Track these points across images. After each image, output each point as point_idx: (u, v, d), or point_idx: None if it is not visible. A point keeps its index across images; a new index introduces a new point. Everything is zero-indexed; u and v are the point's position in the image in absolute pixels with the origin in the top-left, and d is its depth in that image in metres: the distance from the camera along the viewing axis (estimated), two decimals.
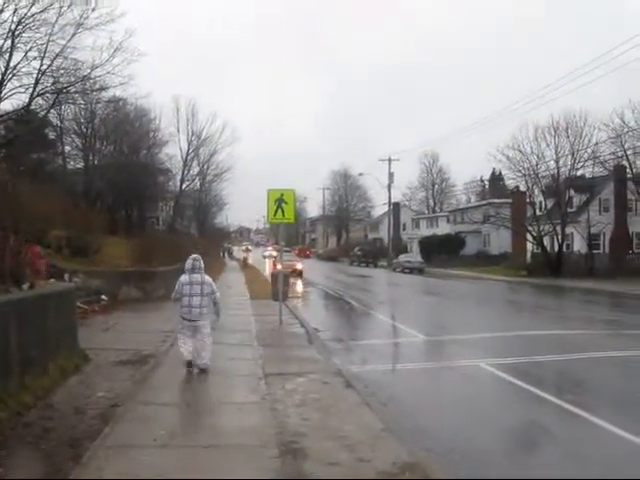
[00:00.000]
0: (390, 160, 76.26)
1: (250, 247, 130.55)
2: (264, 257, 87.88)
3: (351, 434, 7.73)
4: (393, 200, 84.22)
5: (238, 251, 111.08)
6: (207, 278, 12.02)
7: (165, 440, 7.52)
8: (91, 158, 51.28)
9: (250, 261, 72.15)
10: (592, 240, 51.42)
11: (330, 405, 9.22)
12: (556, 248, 50.63)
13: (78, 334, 13.01)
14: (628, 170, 51.09)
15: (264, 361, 12.77)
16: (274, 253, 72.79)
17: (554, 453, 7.92)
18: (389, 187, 78.16)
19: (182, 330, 11.88)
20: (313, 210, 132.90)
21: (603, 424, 8.76)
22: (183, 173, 67.57)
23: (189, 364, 11.72)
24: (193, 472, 6.48)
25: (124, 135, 52.49)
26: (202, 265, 12.02)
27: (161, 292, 23.46)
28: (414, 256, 68.45)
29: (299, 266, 48.11)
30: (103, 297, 21.92)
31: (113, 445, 7.35)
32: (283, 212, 18.47)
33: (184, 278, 11.88)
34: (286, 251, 64.43)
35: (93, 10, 32.06)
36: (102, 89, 37.84)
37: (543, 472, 7.23)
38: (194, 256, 12.15)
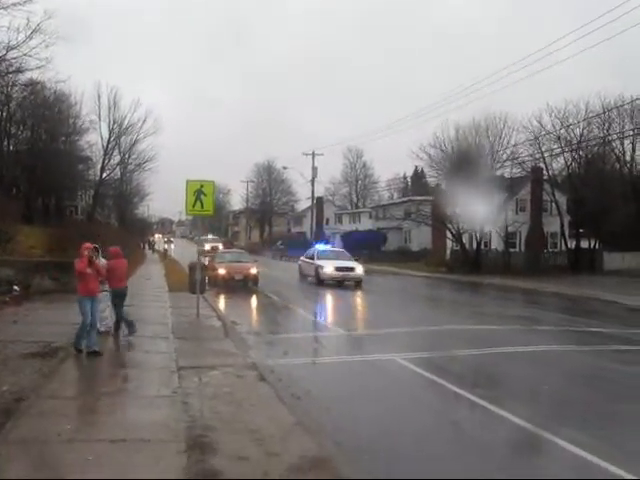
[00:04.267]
0: (314, 154, 76.32)
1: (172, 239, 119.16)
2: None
3: (262, 428, 7.68)
4: (317, 195, 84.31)
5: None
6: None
7: (70, 435, 7.32)
8: (6, 143, 49.61)
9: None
10: (509, 239, 52.78)
11: (242, 399, 9.15)
12: (474, 246, 51.68)
13: None
14: (544, 172, 52.70)
15: (178, 354, 12.59)
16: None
17: (461, 445, 8.06)
18: (312, 182, 78.24)
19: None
20: (237, 203, 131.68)
21: (511, 417, 8.96)
22: (104, 162, 65.78)
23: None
24: (96, 468, 6.31)
25: (42, 120, 50.90)
26: None
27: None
28: None
29: (253, 270, 30.89)
30: (15, 287, 21.24)
31: (15, 440, 7.11)
32: (202, 204, 18.23)
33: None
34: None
35: None
36: (18, 71, 36.66)
37: (449, 463, 7.32)
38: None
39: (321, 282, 33.07)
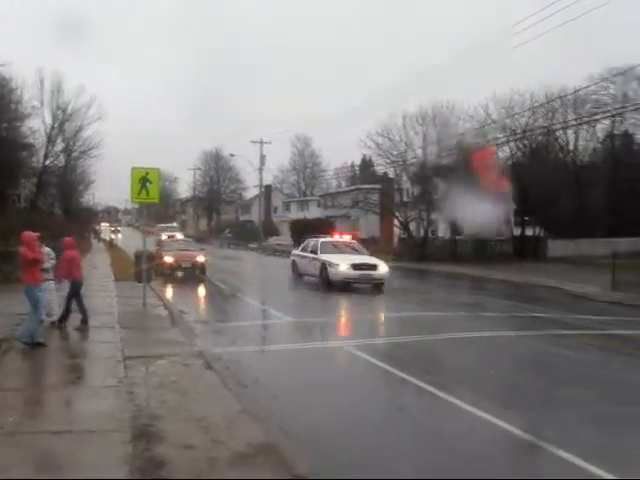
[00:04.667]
0: (262, 142, 76.18)
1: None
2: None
3: (208, 416, 7.65)
4: (265, 183, 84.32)
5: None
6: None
7: (13, 427, 7.19)
8: None
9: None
10: (455, 226, 53.45)
11: (189, 387, 9.10)
12: (422, 233, 52.21)
13: None
14: None
15: (124, 344, 12.44)
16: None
17: (409, 431, 8.16)
18: (260, 170, 78.13)
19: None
20: (184, 191, 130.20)
21: (458, 403, 9.08)
22: (47, 148, 64.42)
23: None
24: (39, 460, 6.23)
25: None
26: None
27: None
28: (285, 239, 68.90)
29: (201, 258, 30.16)
30: None
31: None
32: (147, 191, 18.04)
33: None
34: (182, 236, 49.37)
35: None
36: None
37: (397, 450, 7.40)
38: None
39: (329, 284, 25.88)
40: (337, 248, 28.46)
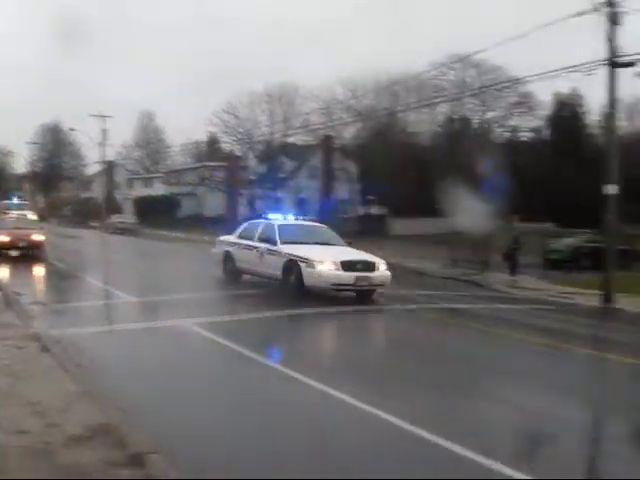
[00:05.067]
0: (103, 116, 73.81)
1: None
2: None
3: (43, 400, 7.38)
4: (107, 159, 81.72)
5: None
6: None
7: None
8: None
9: None
10: (301, 205, 54.29)
11: (22, 371, 8.72)
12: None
13: None
14: (335, 140, 54.69)
15: None
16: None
17: (251, 405, 8.24)
18: (102, 145, 75.69)
19: None
20: (21, 166, 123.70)
21: (299, 377, 9.28)
22: None
23: None
24: None
25: None
26: None
27: None
28: (128, 217, 67.37)
29: (38, 237, 28.03)
30: None
31: None
32: None
33: None
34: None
35: None
36: None
37: (246, 425, 7.46)
38: None
39: (301, 291, 17.48)
40: (303, 235, 19.63)
